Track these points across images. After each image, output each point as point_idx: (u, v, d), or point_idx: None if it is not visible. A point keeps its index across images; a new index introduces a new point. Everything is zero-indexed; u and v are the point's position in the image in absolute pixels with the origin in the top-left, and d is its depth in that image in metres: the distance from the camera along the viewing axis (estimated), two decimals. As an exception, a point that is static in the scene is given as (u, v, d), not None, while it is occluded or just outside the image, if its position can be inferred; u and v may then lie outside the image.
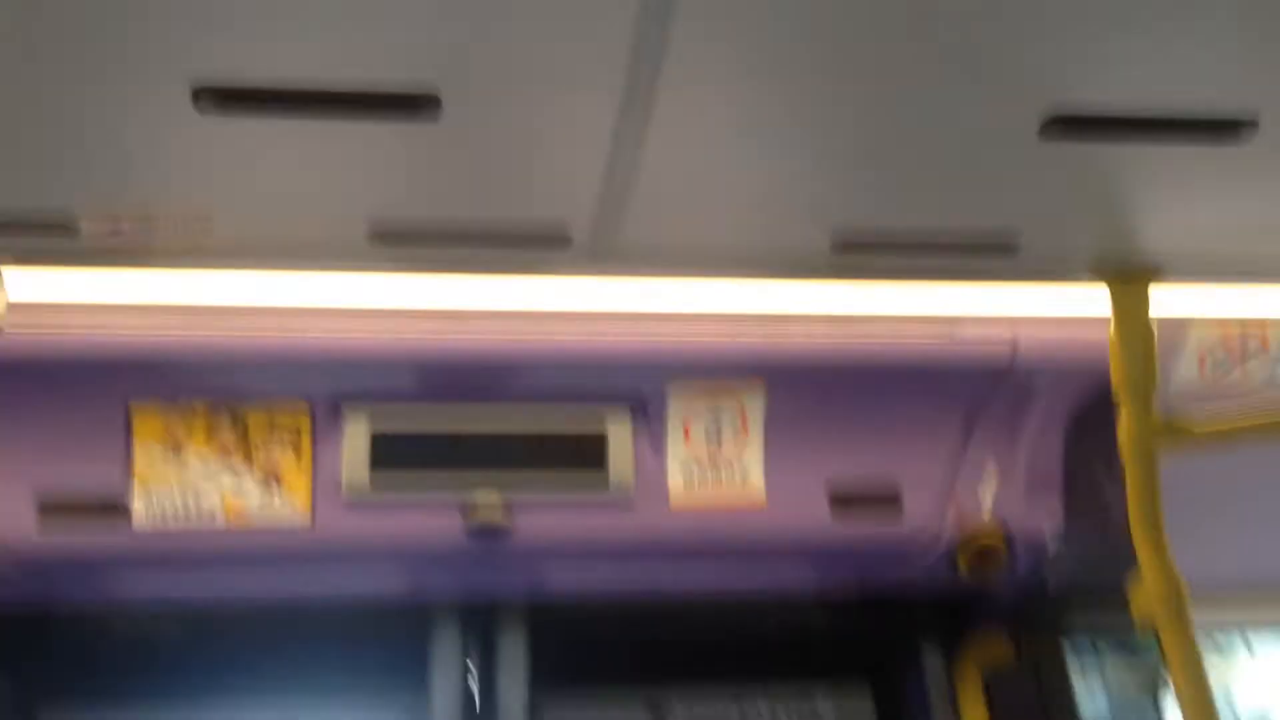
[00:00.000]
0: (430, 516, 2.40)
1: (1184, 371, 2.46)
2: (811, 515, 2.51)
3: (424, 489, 2.41)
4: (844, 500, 2.52)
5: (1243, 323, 2.44)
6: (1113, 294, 2.14)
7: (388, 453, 2.41)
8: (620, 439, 2.47)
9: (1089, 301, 2.27)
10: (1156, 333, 2.12)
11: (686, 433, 2.51)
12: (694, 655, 2.91)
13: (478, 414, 2.45)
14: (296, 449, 2.38)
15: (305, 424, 2.39)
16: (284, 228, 1.86)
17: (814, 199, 1.81)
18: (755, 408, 2.52)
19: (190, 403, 2.35)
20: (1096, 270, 2.10)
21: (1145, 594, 2.05)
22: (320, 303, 2.21)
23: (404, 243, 1.90)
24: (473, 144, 1.60)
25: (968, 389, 2.54)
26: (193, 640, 2.71)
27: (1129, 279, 2.12)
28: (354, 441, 2.40)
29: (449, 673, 2.65)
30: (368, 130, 1.54)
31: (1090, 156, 1.70)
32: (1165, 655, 2.00)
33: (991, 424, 2.56)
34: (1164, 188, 1.80)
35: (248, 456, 2.36)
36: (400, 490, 2.41)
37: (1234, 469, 2.52)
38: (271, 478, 2.36)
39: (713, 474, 2.51)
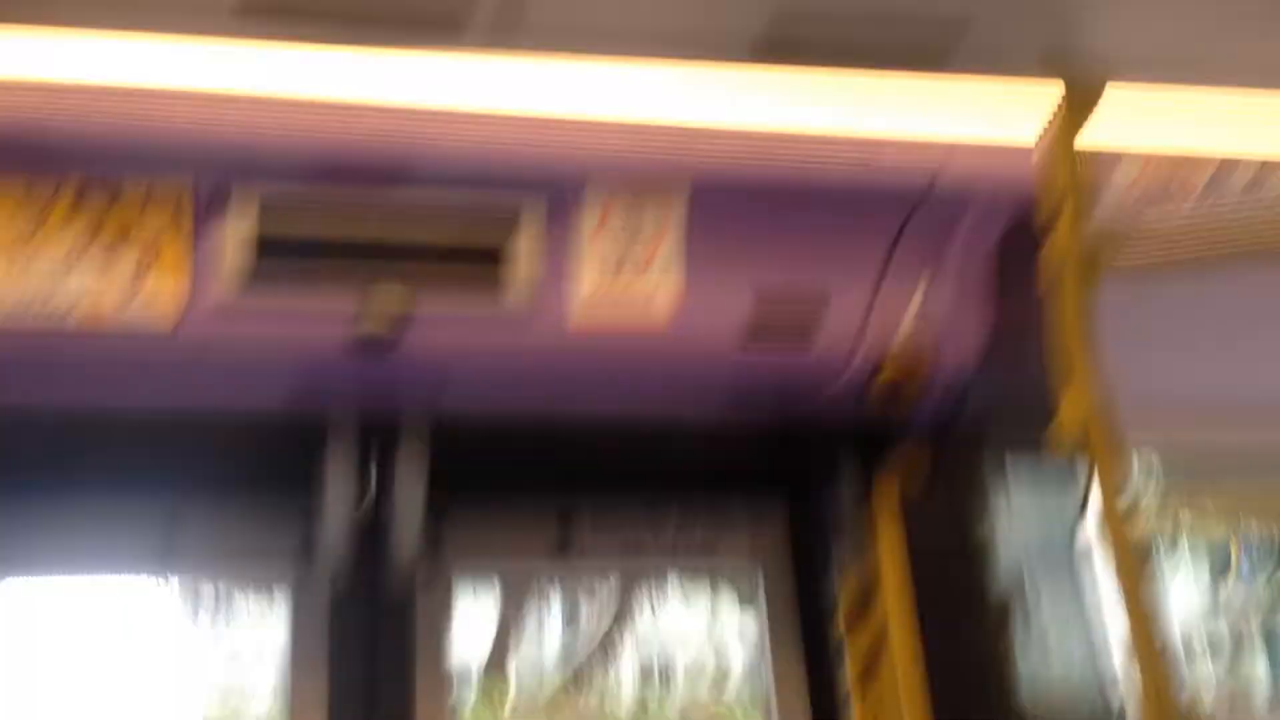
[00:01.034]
0: (312, 326, 2.26)
1: (1111, 200, 2.36)
2: (725, 338, 2.40)
3: (305, 295, 2.26)
4: (759, 322, 2.41)
5: (1171, 161, 2.34)
6: (1066, 93, 2.02)
7: (271, 250, 2.24)
8: (522, 250, 2.33)
9: (1017, 125, 2.15)
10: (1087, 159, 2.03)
11: (601, 226, 2.34)
12: (602, 478, 2.82)
13: (370, 214, 2.28)
14: (176, 224, 2.21)
15: (187, 196, 2.21)
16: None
17: None
18: (676, 213, 2.38)
19: (58, 180, 2.17)
20: (1049, 65, 1.98)
21: (1070, 412, 1.99)
22: (200, 85, 2.01)
23: (278, 15, 1.74)
24: None
25: (890, 210, 2.40)
26: (62, 452, 2.57)
27: (1082, 78, 2.00)
28: (235, 236, 2.23)
29: (343, 490, 2.54)
30: None
31: None
32: (1088, 476, 1.95)
33: (914, 247, 2.43)
34: None
35: (123, 231, 2.17)
36: (282, 290, 2.25)
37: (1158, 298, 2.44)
38: (145, 266, 2.20)
39: (618, 298, 2.36)
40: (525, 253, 2.33)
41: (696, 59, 2.02)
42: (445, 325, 2.32)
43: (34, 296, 2.16)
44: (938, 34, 1.88)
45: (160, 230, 2.21)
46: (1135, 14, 1.85)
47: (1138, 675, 1.85)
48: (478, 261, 2.32)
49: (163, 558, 2.67)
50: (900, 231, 2.42)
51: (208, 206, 2.22)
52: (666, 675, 3.49)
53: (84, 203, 2.18)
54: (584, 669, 3.46)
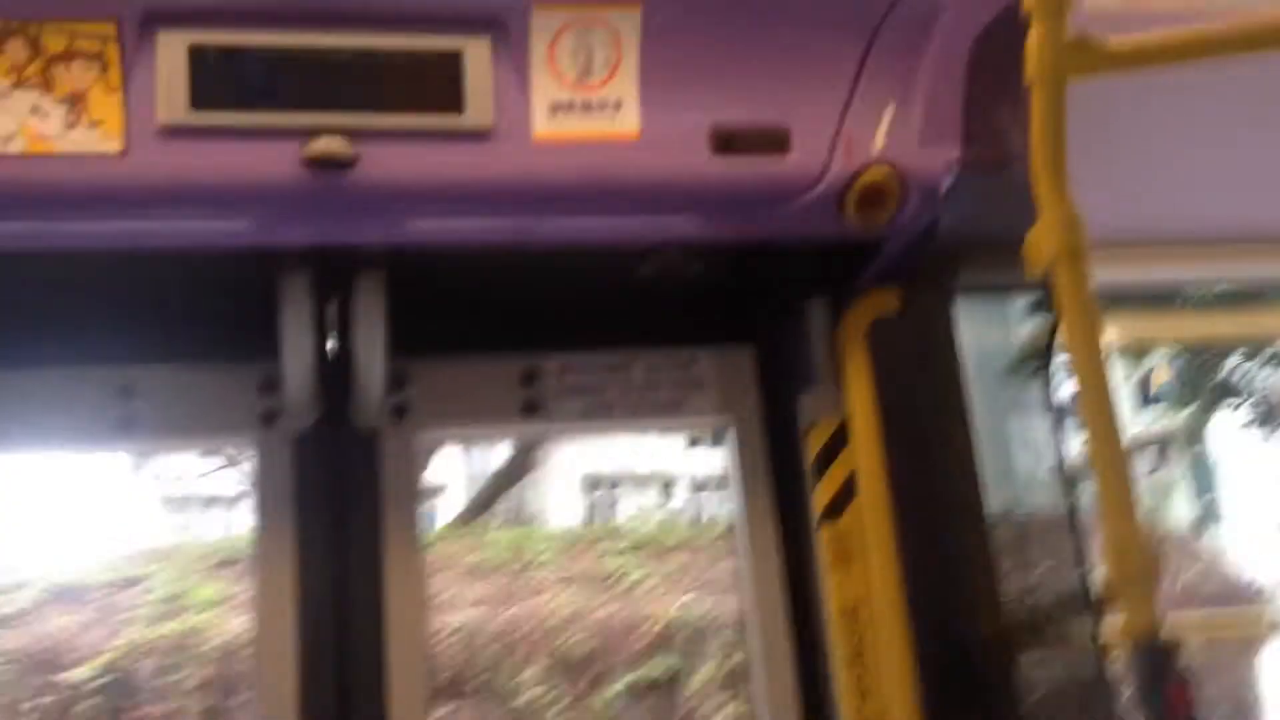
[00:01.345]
0: (262, 147, 2.13)
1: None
2: (691, 151, 2.29)
3: (253, 114, 2.13)
4: (726, 135, 2.30)
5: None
6: None
7: (209, 72, 2.10)
8: (478, 61, 2.20)
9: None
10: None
11: (552, 63, 2.25)
12: (567, 312, 2.74)
13: (314, 28, 2.15)
14: (103, 71, 2.07)
15: (112, 41, 2.06)
16: None
17: None
18: (630, 35, 2.26)
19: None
20: None
21: (1042, 239, 1.92)
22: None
23: None
24: None
25: (863, 8, 2.30)
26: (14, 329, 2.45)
27: None
28: (169, 59, 2.09)
29: (301, 329, 2.44)
30: None
31: None
32: (1058, 309, 1.89)
33: (888, 48, 2.33)
34: None
35: (47, 81, 2.04)
36: (225, 115, 2.12)
37: (1151, 109, 2.38)
38: (75, 105, 2.06)
39: (582, 107, 2.27)
40: (482, 62, 2.21)
41: None
42: (402, 142, 2.19)
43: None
44: None
45: (95, 50, 2.07)
46: None
47: (1101, 484, 1.82)
48: (433, 72, 2.20)
49: (120, 429, 2.56)
50: (875, 31, 2.31)
51: (133, 40, 2.06)
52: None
53: (7, 43, 2.03)
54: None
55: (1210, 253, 2.81)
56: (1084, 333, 1.88)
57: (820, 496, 2.70)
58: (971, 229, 2.54)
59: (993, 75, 2.33)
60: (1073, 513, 2.41)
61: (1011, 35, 2.18)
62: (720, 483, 2.91)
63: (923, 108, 2.37)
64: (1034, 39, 1.92)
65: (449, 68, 2.20)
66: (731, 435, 2.83)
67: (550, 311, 2.73)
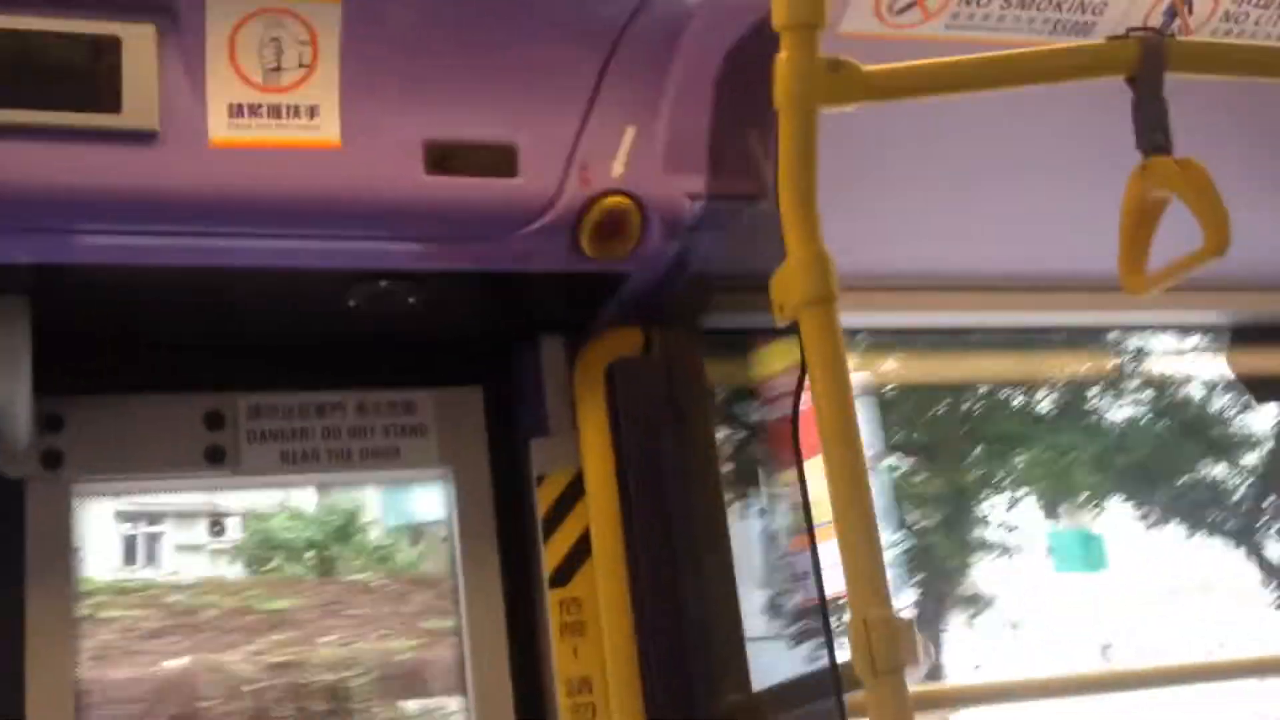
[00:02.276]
0: None
1: (858, 11, 2.06)
2: (401, 167, 1.98)
3: None
4: (442, 150, 2.00)
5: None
6: None
7: None
8: (139, 51, 1.84)
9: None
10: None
11: (233, 59, 1.90)
12: (261, 345, 2.39)
13: None
14: None
15: None
16: None
17: None
18: (328, 32, 1.93)
19: None
20: None
21: (789, 281, 1.70)
22: None
23: None
24: None
25: (603, 13, 2.03)
26: None
27: None
28: None
29: None
30: None
31: None
32: (803, 351, 1.67)
33: (628, 63, 2.06)
34: None
35: None
36: None
37: (909, 138, 2.20)
38: None
39: (270, 111, 1.93)
40: (144, 52, 1.85)
41: None
42: (46, 142, 1.82)
43: None
44: None
45: None
46: None
47: (846, 552, 1.61)
48: (84, 62, 1.83)
49: None
50: (615, 43, 2.05)
51: None
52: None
53: None
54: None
55: (971, 298, 2.67)
56: (831, 382, 1.66)
57: (551, 556, 2.44)
58: (721, 263, 2.32)
59: (745, 97, 2.09)
60: (819, 582, 2.21)
61: (766, 52, 1.96)
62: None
63: (667, 131, 2.12)
64: (783, 60, 1.70)
65: (104, 57, 1.83)
66: (454, 486, 2.53)
67: (242, 346, 2.38)
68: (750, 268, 2.32)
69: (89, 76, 1.83)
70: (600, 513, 2.40)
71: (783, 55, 1.71)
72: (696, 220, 2.18)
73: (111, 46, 1.83)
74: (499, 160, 2.05)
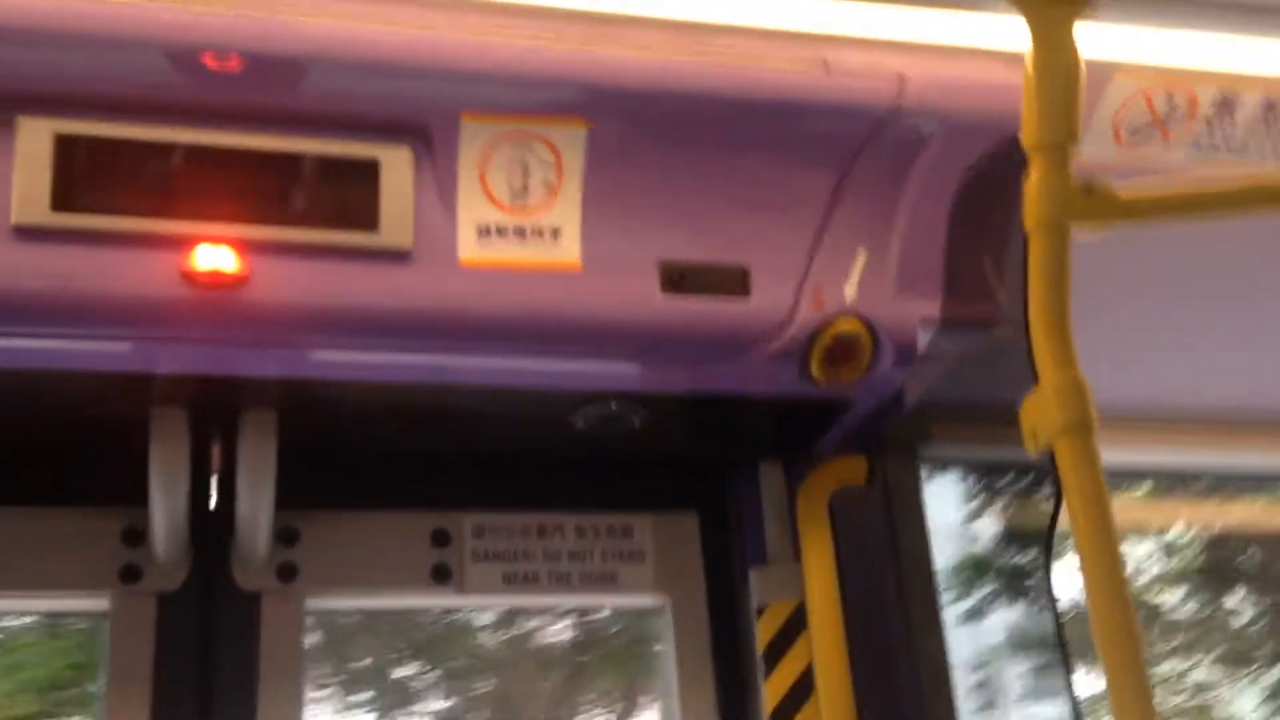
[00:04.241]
0: (136, 257, 1.81)
1: (1096, 136, 2.03)
2: (638, 288, 2.00)
3: (127, 219, 1.81)
4: (679, 271, 2.02)
5: (1169, 74, 2.00)
6: (1031, 25, 1.68)
7: (78, 167, 1.79)
8: (396, 173, 1.91)
9: (994, 29, 1.81)
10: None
11: (483, 181, 1.96)
12: (488, 465, 2.42)
13: (205, 122, 1.85)
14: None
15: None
16: None
17: None
18: (573, 155, 1.99)
19: None
20: None
21: (1040, 409, 1.64)
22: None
23: None
24: None
25: (841, 135, 2.03)
26: None
27: (1051, 6, 1.67)
28: (31, 150, 1.78)
29: (173, 472, 2.09)
30: None
31: None
32: (1061, 488, 1.60)
33: (864, 184, 2.06)
34: None
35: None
36: (94, 219, 1.79)
37: (1157, 268, 2.13)
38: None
39: (516, 232, 1.98)
40: (401, 174, 1.92)
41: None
42: (303, 259, 1.88)
43: None
44: None
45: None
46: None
47: (1115, 696, 1.51)
48: (344, 182, 1.91)
49: None
50: (851, 164, 2.05)
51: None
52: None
53: None
54: None
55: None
56: (1093, 517, 1.58)
57: (772, 691, 2.36)
58: (951, 389, 2.26)
59: (981, 219, 2.07)
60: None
61: (1003, 174, 1.94)
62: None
63: (900, 253, 2.10)
64: (1034, 182, 1.67)
65: (363, 178, 1.91)
66: (670, 614, 2.49)
67: (469, 464, 2.40)
68: (985, 394, 2.27)
69: (349, 197, 1.90)
70: (824, 647, 2.32)
71: (1034, 175, 1.68)
72: (928, 345, 2.14)
73: (370, 168, 1.91)
74: (732, 281, 2.05)
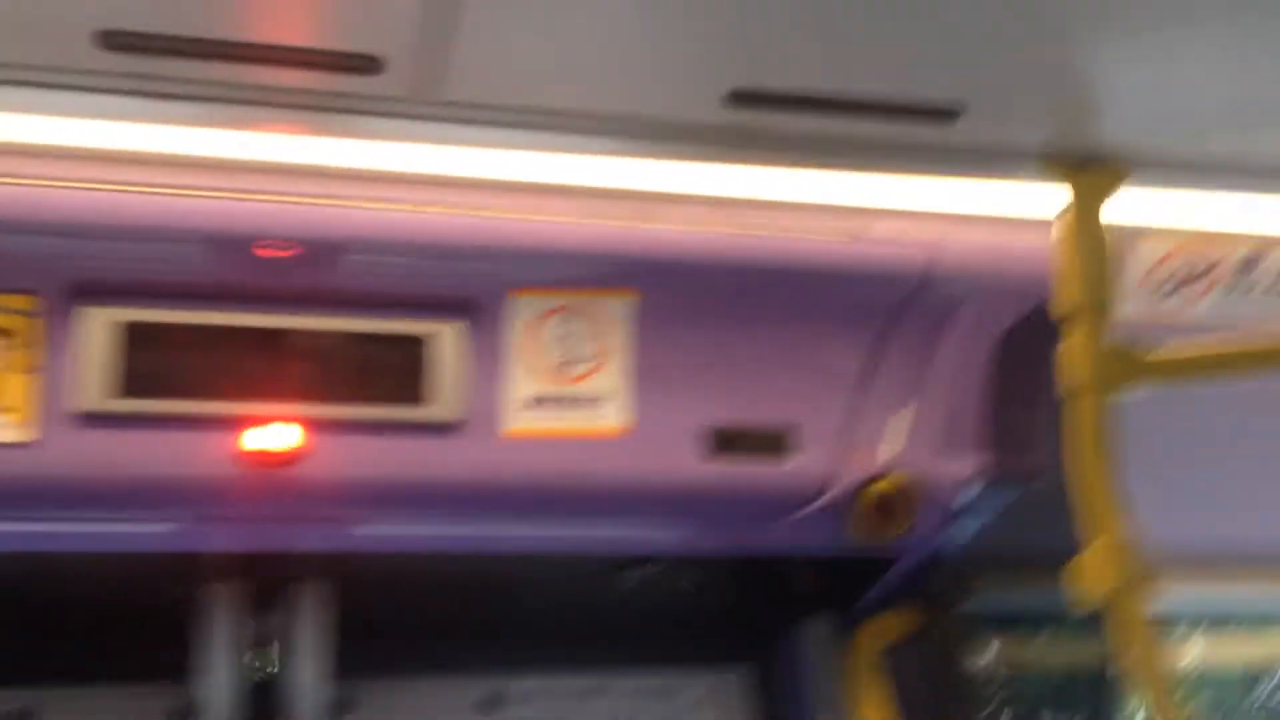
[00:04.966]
0: (195, 439, 1.86)
1: (1125, 296, 2.07)
2: (683, 452, 2.04)
3: (185, 401, 1.87)
4: (723, 435, 2.06)
5: (1198, 237, 2.05)
6: (1073, 191, 1.75)
7: (138, 353, 1.85)
8: (445, 348, 1.97)
9: (1024, 197, 1.87)
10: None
11: (530, 354, 2.02)
12: (535, 627, 2.43)
13: (259, 306, 1.92)
14: (16, 349, 1.81)
15: (32, 319, 1.82)
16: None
17: (703, 54, 1.44)
18: (618, 326, 2.04)
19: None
20: (1052, 159, 1.71)
21: (1090, 568, 1.66)
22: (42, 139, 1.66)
23: (148, 52, 1.39)
24: None
25: (876, 301, 2.09)
26: None
27: (1090, 174, 1.74)
28: (94, 338, 1.84)
29: (225, 646, 2.11)
30: None
31: None
32: (1114, 641, 1.63)
33: (902, 346, 2.12)
34: (1142, 58, 1.41)
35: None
36: (154, 403, 1.85)
37: (1186, 415, 2.16)
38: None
39: (563, 404, 2.03)
40: (450, 349, 1.97)
41: (645, 154, 1.74)
42: (355, 434, 1.93)
43: None
44: (926, 126, 1.60)
45: (9, 325, 1.83)
46: (1155, 91, 1.58)
47: None
48: (394, 358, 1.96)
49: None
50: (888, 327, 2.10)
51: (54, 314, 1.83)
52: None
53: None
54: None
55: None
56: (1149, 670, 1.61)
57: None
58: (996, 542, 2.28)
59: (1021, 377, 2.12)
60: None
61: (1040, 334, 1.98)
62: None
63: (940, 412, 2.14)
64: (1069, 347, 1.72)
65: (412, 354, 1.97)
66: None
67: (518, 628, 2.42)
68: (1029, 545, 2.29)
69: (399, 372, 1.96)
70: None
71: (1069, 341, 1.73)
72: (972, 501, 2.17)
73: (420, 345, 1.97)
74: (775, 443, 2.09)
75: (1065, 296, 1.74)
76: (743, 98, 1.53)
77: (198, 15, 1.34)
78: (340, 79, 1.46)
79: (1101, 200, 1.75)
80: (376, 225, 1.89)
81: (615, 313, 2.03)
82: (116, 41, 1.35)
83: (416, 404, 1.96)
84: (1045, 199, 1.77)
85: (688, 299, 2.03)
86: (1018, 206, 1.94)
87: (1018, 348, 2.10)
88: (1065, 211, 1.74)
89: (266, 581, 2.14)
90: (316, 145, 1.76)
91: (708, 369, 2.09)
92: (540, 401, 2.02)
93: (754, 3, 1.35)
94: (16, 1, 1.29)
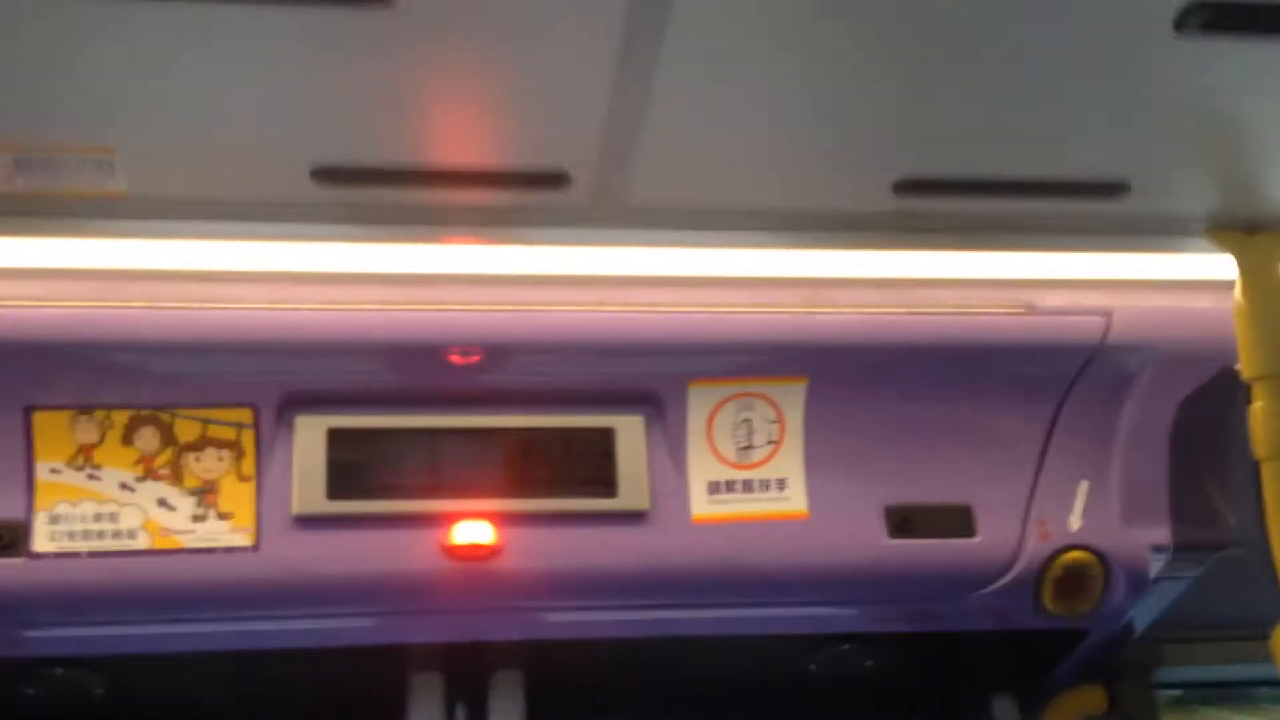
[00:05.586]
0: (401, 537, 1.96)
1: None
2: (865, 533, 2.07)
3: (393, 502, 1.97)
4: (903, 514, 2.08)
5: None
6: (1246, 257, 1.75)
7: (348, 457, 1.97)
8: (631, 439, 2.05)
9: (1201, 262, 1.87)
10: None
11: (710, 440, 2.08)
12: (723, 710, 2.46)
13: (457, 408, 2.02)
14: (236, 460, 1.95)
15: (247, 429, 1.96)
16: (201, 161, 1.46)
17: (871, 146, 1.50)
18: (794, 409, 2.10)
19: (105, 408, 1.93)
20: (1220, 227, 1.72)
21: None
22: (258, 266, 1.81)
23: (355, 183, 1.51)
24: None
25: (1053, 372, 2.10)
26: (114, 702, 2.26)
27: (1261, 239, 1.74)
28: (307, 445, 1.97)
29: None
30: (307, 22, 1.19)
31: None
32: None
33: (1080, 417, 2.11)
34: None
35: (175, 471, 1.93)
36: (364, 504, 1.96)
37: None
38: (206, 496, 1.93)
39: (743, 486, 2.08)
40: (636, 440, 2.06)
41: (815, 244, 1.81)
42: (550, 526, 2.01)
43: (99, 514, 1.91)
44: (1092, 202, 1.63)
45: (229, 437, 1.97)
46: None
47: None
48: (584, 451, 2.04)
49: None
50: (1066, 398, 2.10)
51: (269, 426, 1.96)
52: None
53: (138, 431, 1.94)
54: None
55: None
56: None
57: None
58: (1185, 613, 2.24)
59: (1204, 445, 2.09)
60: None
61: (1224, 400, 1.97)
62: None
63: (1123, 482, 2.12)
64: (1259, 413, 1.71)
65: (601, 447, 2.05)
66: None
67: (707, 710, 2.45)
68: (1220, 614, 2.25)
69: (588, 465, 2.04)
70: None
71: (1257, 406, 1.72)
72: (1160, 571, 2.14)
73: (607, 437, 2.05)
74: (957, 521, 2.10)
75: (1248, 361, 1.73)
76: (910, 186, 1.58)
77: (400, 147, 1.46)
78: (528, 194, 1.56)
79: (1274, 264, 1.74)
80: (559, 326, 1.99)
81: (791, 397, 2.08)
82: (327, 175, 1.48)
83: (606, 494, 2.03)
84: (1220, 260, 1.78)
85: (862, 380, 2.07)
86: (1192, 269, 1.94)
87: (1201, 414, 2.08)
88: (1240, 277, 1.74)
89: (463, 671, 2.22)
90: (502, 254, 1.88)
91: (886, 448, 2.12)
92: (722, 487, 2.07)
93: (919, 94, 1.41)
94: (243, 145, 1.43)
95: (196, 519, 1.93)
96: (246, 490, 1.95)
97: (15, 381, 1.89)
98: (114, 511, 1.91)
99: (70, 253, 1.74)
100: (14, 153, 1.42)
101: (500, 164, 1.52)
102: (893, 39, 1.30)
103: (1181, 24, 1.25)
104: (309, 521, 1.95)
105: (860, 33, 1.28)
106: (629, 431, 2.05)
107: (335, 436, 1.98)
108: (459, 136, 1.47)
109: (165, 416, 1.94)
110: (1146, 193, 1.62)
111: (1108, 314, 2.04)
